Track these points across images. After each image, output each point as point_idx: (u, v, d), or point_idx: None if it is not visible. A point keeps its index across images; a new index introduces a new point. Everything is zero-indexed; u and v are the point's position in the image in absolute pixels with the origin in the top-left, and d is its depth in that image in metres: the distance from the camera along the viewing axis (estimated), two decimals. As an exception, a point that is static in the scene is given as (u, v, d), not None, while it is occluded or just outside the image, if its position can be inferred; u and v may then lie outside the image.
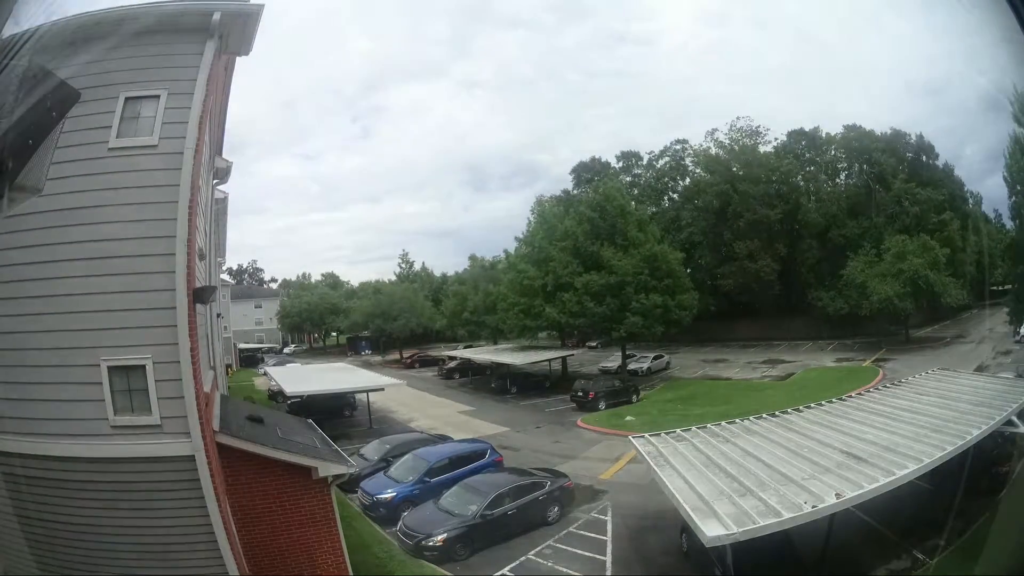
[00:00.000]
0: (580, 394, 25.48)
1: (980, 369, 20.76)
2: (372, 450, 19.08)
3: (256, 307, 48.32)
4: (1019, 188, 20.34)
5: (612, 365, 31.66)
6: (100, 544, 9.11)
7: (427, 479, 16.73)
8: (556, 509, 15.30)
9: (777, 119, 37.53)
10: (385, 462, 18.40)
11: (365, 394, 24.72)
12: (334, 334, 48.26)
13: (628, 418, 22.66)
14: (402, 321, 37.99)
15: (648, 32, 51.54)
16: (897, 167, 31.54)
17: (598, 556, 13.43)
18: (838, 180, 35.35)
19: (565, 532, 14.61)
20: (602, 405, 24.74)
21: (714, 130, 36.89)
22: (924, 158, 32.10)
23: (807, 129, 35.01)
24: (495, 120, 58.06)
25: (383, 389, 25.42)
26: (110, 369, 9.40)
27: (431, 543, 13.88)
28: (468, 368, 33.38)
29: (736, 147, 36.16)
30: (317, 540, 11.52)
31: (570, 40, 52.71)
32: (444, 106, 56.11)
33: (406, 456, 18.01)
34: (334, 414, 23.26)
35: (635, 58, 49.12)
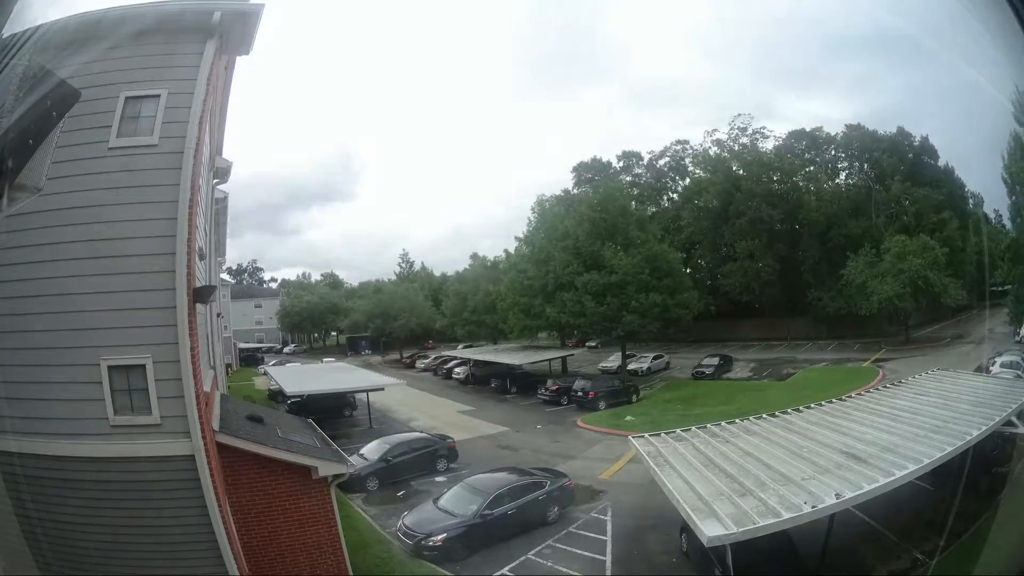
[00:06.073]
0: (580, 393, 25.49)
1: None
2: (372, 450, 19.07)
3: (256, 307, 48.22)
4: (1019, 188, 20.28)
5: (612, 365, 31.63)
6: (100, 544, 9.11)
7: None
8: (556, 509, 15.28)
9: (777, 118, 37.61)
10: (385, 462, 18.44)
11: (365, 394, 24.74)
12: (334, 334, 48.26)
13: (628, 418, 22.66)
14: (402, 321, 37.98)
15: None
16: (897, 167, 31.54)
17: (598, 556, 13.43)
18: (838, 180, 35.40)
19: (565, 532, 14.60)
20: (602, 405, 24.74)
21: (714, 130, 36.95)
22: (924, 158, 32.09)
23: (808, 129, 35.08)
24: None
25: (383, 389, 25.46)
26: (110, 369, 9.42)
27: (431, 543, 13.86)
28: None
29: (736, 146, 36.20)
30: (317, 540, 11.54)
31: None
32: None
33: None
34: (334, 414, 23.25)
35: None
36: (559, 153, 52.58)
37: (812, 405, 16.39)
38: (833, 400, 16.69)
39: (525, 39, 51.97)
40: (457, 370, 33.37)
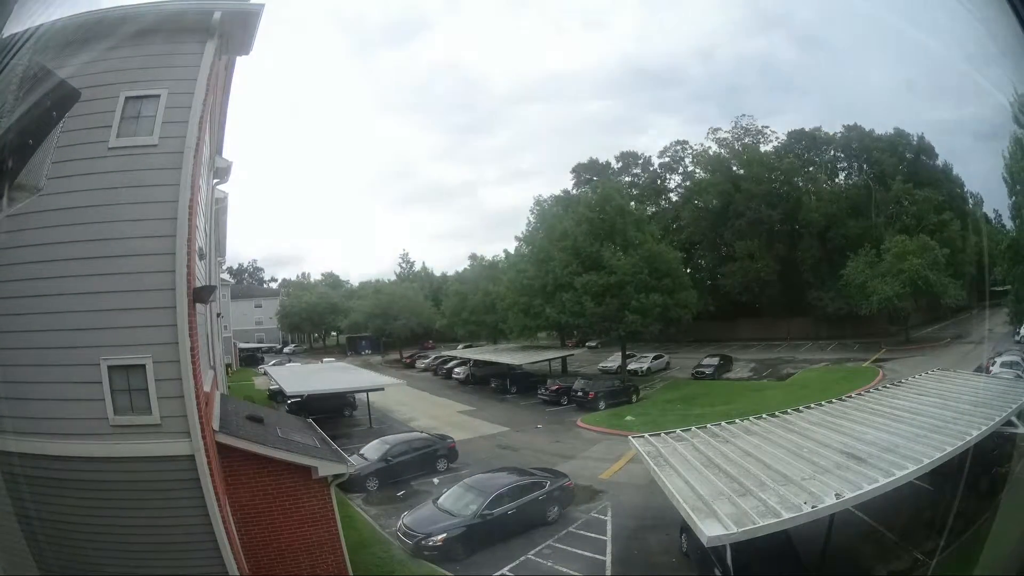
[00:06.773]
0: (580, 393, 25.51)
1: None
2: (372, 450, 19.08)
3: (256, 307, 48.26)
4: (1019, 188, 20.29)
5: (612, 365, 31.65)
6: (100, 544, 9.11)
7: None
8: (556, 509, 15.27)
9: (778, 118, 37.65)
10: (385, 462, 18.44)
11: (365, 394, 24.74)
12: (334, 334, 48.29)
13: (628, 418, 22.66)
14: (402, 321, 37.99)
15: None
16: (897, 167, 31.57)
17: (598, 556, 13.43)
18: (838, 180, 35.46)
19: (565, 532, 14.60)
20: (602, 405, 24.74)
21: (716, 129, 36.98)
22: (924, 158, 32.13)
23: (807, 129, 35.11)
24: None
25: (383, 389, 25.47)
26: (110, 369, 9.41)
27: (431, 543, 13.86)
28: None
29: (738, 146, 36.21)
30: (317, 540, 11.53)
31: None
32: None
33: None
34: (334, 414, 23.26)
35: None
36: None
37: (812, 405, 16.39)
38: (833, 400, 16.69)
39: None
40: (457, 370, 33.34)
